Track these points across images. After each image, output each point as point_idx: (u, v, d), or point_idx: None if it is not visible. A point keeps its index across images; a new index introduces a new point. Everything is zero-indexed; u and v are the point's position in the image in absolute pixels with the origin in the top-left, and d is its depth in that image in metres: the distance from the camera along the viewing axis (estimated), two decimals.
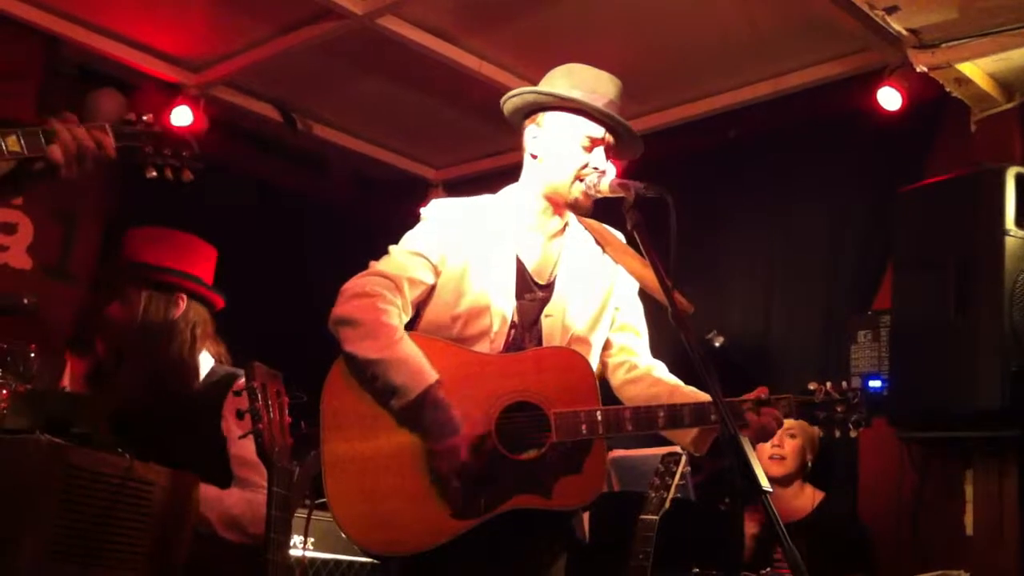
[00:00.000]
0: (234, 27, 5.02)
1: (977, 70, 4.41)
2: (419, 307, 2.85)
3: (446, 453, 2.61)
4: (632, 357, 2.99)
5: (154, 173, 2.41)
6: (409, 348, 2.68)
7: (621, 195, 2.73)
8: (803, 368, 4.83)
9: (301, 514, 3.42)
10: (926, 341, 4.09)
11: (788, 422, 4.15)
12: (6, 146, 2.19)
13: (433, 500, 2.63)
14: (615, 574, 3.59)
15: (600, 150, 2.87)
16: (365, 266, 2.85)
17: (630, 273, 2.98)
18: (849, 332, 4.67)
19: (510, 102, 2.96)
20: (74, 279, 5.32)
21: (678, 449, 3.73)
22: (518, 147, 3.01)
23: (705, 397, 2.76)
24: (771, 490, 2.28)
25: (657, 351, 3.05)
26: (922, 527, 4.38)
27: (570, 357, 2.79)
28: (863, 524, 4.31)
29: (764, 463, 4.18)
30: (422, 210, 3.00)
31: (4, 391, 2.68)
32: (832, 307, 4.84)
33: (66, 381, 3.50)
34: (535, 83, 3.00)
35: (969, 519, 4.30)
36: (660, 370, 2.98)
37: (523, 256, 2.88)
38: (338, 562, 3.97)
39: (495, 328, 2.78)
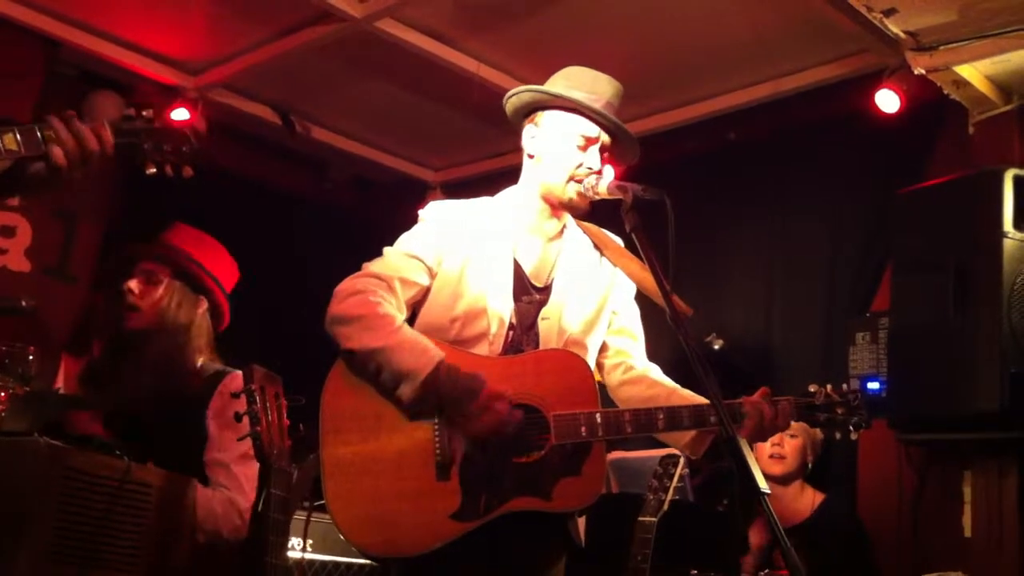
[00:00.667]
0: (233, 30, 5.02)
1: (975, 72, 4.42)
2: (415, 309, 2.85)
3: (487, 404, 2.58)
4: (628, 359, 2.99)
5: (153, 170, 2.37)
6: (410, 332, 2.68)
7: (619, 197, 2.73)
8: (802, 370, 4.83)
9: (300, 516, 3.43)
10: (925, 343, 4.09)
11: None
12: (3, 144, 2.15)
13: (433, 502, 2.62)
14: None
15: (595, 150, 2.87)
16: (359, 268, 2.85)
17: (628, 276, 2.98)
18: (848, 334, 4.67)
19: (510, 103, 2.98)
20: (74, 280, 5.32)
21: (676, 451, 3.74)
22: (518, 148, 3.02)
23: (703, 400, 2.76)
24: (769, 492, 2.29)
25: (656, 353, 3.06)
26: (921, 529, 4.38)
27: (569, 359, 2.79)
28: (862, 526, 4.30)
29: (764, 462, 4.18)
30: (419, 212, 3.00)
31: (3, 393, 2.68)
32: (831, 309, 4.84)
33: (60, 382, 3.50)
34: (536, 82, 3.01)
35: (968, 521, 4.30)
36: (656, 373, 2.99)
37: (521, 258, 2.88)
38: (336, 564, 3.97)
39: (493, 330, 2.78)
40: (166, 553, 2.67)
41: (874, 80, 4.57)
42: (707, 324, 4.99)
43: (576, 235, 2.99)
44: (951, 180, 4.26)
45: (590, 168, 2.85)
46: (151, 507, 2.63)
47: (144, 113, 2.36)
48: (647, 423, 2.72)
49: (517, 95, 2.95)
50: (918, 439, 4.37)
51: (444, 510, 2.62)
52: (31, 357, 2.75)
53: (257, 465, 3.01)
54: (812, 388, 2.88)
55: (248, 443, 2.97)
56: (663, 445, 3.12)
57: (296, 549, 3.69)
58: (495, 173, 5.75)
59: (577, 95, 2.87)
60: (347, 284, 2.76)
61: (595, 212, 2.96)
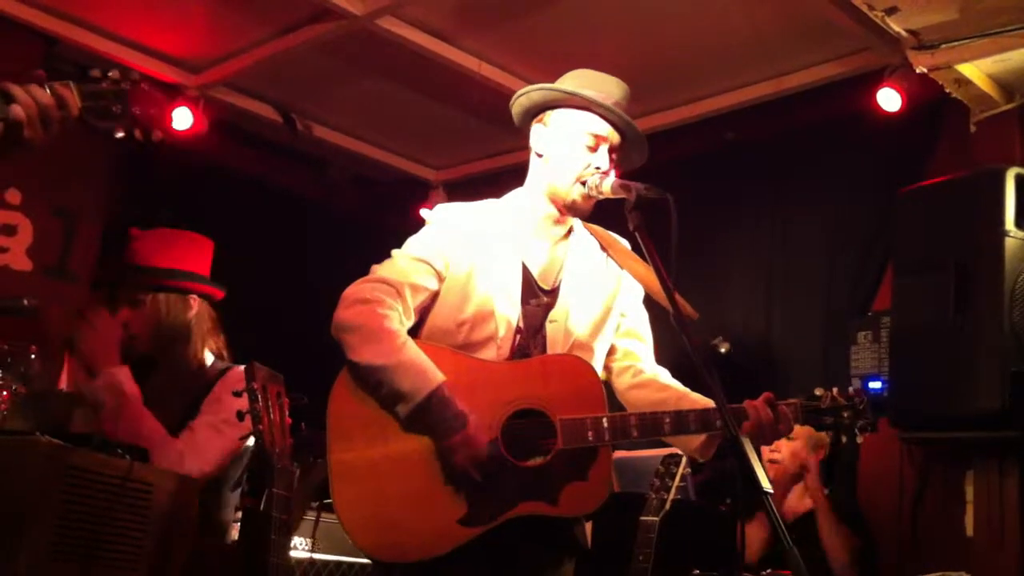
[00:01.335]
0: (234, 28, 5.02)
1: (977, 71, 4.41)
2: (423, 312, 2.82)
3: (461, 445, 2.59)
4: (636, 363, 2.98)
5: (122, 134, 2.25)
6: (413, 352, 2.66)
7: (623, 196, 2.72)
8: (804, 370, 4.83)
9: (308, 517, 3.44)
10: (926, 342, 4.09)
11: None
12: None
13: (440, 507, 2.61)
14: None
15: (604, 150, 2.87)
16: (365, 267, 2.82)
17: (636, 279, 2.98)
18: (849, 333, 4.67)
19: (519, 102, 2.96)
20: (75, 279, 5.31)
21: (679, 451, 3.74)
22: (519, 147, 3.01)
23: (710, 404, 2.75)
24: (772, 491, 2.28)
25: (661, 354, 3.05)
26: (922, 528, 4.38)
27: (576, 364, 2.78)
28: (863, 519, 4.29)
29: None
30: (426, 213, 2.99)
31: (5, 392, 2.68)
32: (832, 308, 4.84)
33: (63, 382, 3.50)
34: (534, 83, 3.01)
35: (969, 520, 4.29)
36: (666, 376, 2.98)
37: (528, 261, 2.87)
38: (339, 563, 3.98)
39: (501, 333, 2.76)
40: (167, 551, 2.67)
41: (875, 79, 4.57)
42: (708, 322, 4.98)
43: (583, 237, 2.99)
44: (952, 179, 4.26)
45: (597, 168, 2.85)
46: (152, 505, 2.63)
47: (110, 74, 2.26)
48: (653, 427, 2.71)
49: (527, 94, 2.94)
50: (919, 438, 4.37)
51: (452, 515, 2.61)
52: (33, 356, 2.75)
53: (228, 437, 3.05)
54: (818, 392, 2.87)
55: (222, 416, 3.01)
56: (667, 444, 3.11)
57: (298, 548, 3.70)
58: (496, 172, 5.76)
59: (588, 93, 2.87)
60: (355, 289, 2.73)
61: (599, 211, 2.96)
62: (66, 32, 5.02)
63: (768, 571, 3.68)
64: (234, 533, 3.32)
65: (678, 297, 2.51)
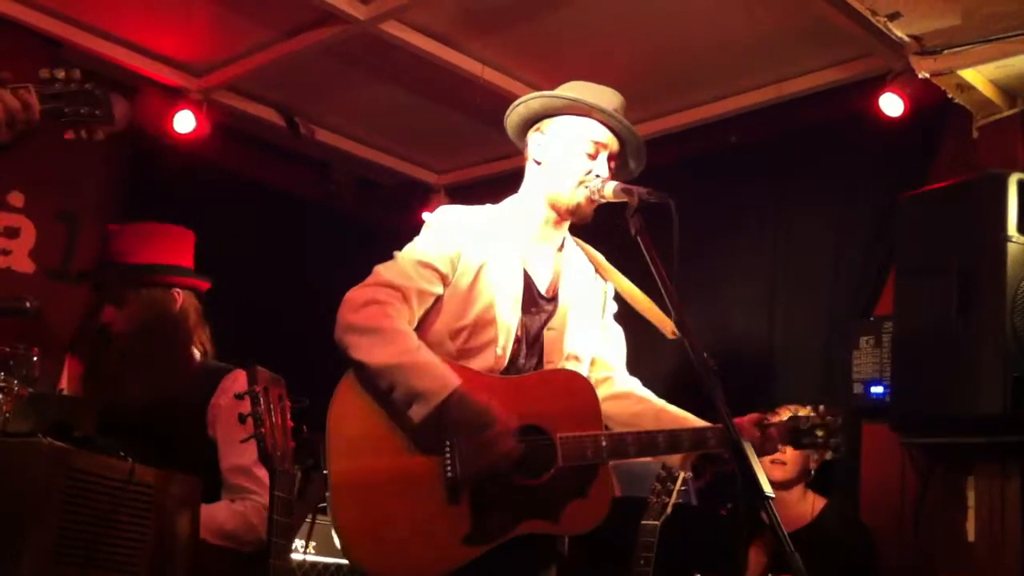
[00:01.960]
0: (237, 32, 5.03)
1: (979, 76, 4.41)
2: (425, 317, 2.79)
3: (496, 438, 2.54)
4: (612, 374, 3.00)
5: (71, 135, 2.31)
6: (429, 353, 2.62)
7: (624, 200, 2.73)
8: (806, 374, 4.83)
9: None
10: (928, 347, 4.08)
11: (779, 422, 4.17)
12: None
13: (443, 527, 2.58)
14: None
15: (603, 157, 2.87)
16: (366, 270, 2.80)
17: (622, 293, 2.98)
18: (851, 338, 4.67)
19: (516, 112, 2.95)
20: (77, 282, 5.31)
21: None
22: (521, 153, 3.01)
23: (689, 419, 2.82)
24: (773, 495, 2.29)
25: (653, 366, 3.08)
26: (924, 533, 4.37)
27: (575, 380, 2.79)
28: (866, 530, 4.29)
29: (765, 467, 4.16)
30: (427, 216, 2.98)
31: (7, 394, 2.68)
32: (834, 313, 4.83)
33: (64, 383, 3.50)
34: (537, 88, 3.02)
35: (971, 525, 4.29)
36: (641, 389, 3.01)
37: (530, 268, 2.87)
38: (339, 566, 3.97)
39: (501, 341, 2.75)
40: (169, 554, 2.67)
41: (878, 84, 4.58)
42: (710, 327, 4.99)
43: (574, 249, 3.00)
44: (955, 184, 4.26)
45: (599, 175, 2.84)
46: (154, 508, 2.63)
47: (59, 75, 2.30)
48: (649, 446, 2.74)
49: (525, 103, 2.93)
50: (921, 442, 4.37)
51: (455, 534, 2.58)
52: (35, 358, 2.75)
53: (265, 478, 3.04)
54: (802, 412, 2.97)
55: (254, 455, 2.98)
56: None
57: (298, 551, 3.70)
58: (499, 176, 5.76)
59: (589, 99, 2.87)
60: (362, 292, 2.69)
61: (597, 216, 2.96)
62: (71, 36, 5.02)
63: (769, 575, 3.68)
64: None
65: (670, 302, 2.51)
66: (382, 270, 2.75)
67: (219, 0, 4.80)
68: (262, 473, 3.02)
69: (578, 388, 2.77)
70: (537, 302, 2.85)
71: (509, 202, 2.97)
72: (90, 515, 2.47)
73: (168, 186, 5.47)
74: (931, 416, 4.11)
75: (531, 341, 2.82)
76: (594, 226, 2.94)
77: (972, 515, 4.30)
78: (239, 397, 2.59)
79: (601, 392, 2.93)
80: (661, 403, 2.94)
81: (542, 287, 2.87)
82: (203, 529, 2.89)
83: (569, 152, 2.87)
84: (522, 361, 2.81)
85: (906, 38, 4.31)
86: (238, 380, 3.21)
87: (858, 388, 4.60)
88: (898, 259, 4.41)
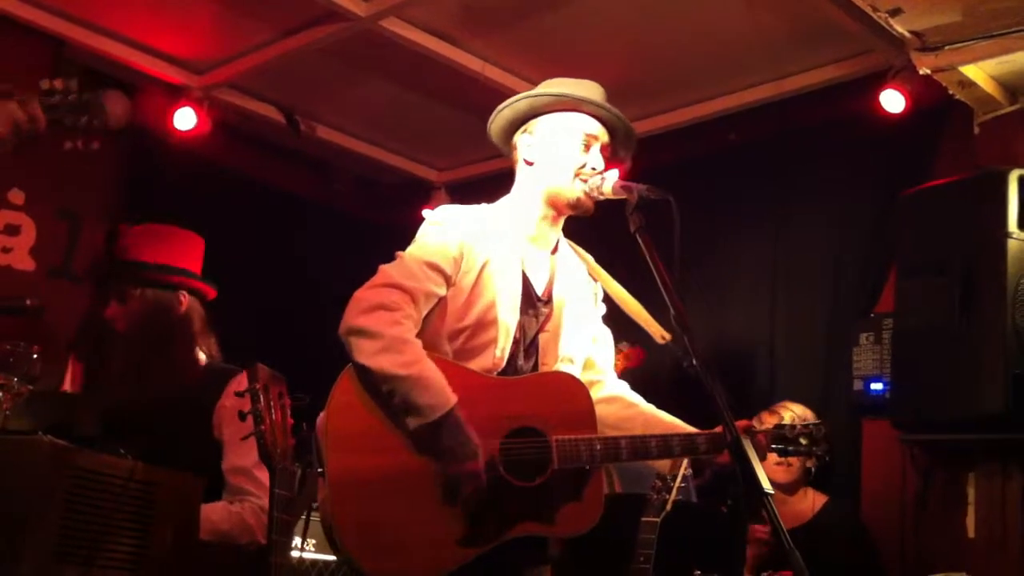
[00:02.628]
0: (238, 30, 5.03)
1: (981, 73, 4.41)
2: (426, 317, 2.76)
3: (467, 476, 2.55)
4: (603, 376, 3.01)
5: (69, 145, 2.37)
6: (432, 368, 2.61)
7: (624, 197, 2.72)
8: (806, 371, 4.83)
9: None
10: (929, 344, 4.08)
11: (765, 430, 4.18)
12: None
13: (440, 527, 2.58)
14: None
15: (596, 148, 2.87)
16: (367, 268, 2.78)
17: (612, 295, 2.99)
18: (851, 335, 4.66)
19: (501, 116, 2.95)
20: (78, 279, 5.33)
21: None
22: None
23: (677, 423, 2.85)
24: (772, 492, 2.29)
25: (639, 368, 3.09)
26: (924, 530, 4.38)
27: (571, 383, 2.80)
28: (865, 528, 4.30)
29: (770, 469, 4.16)
30: (428, 214, 2.96)
31: (8, 393, 2.69)
32: (835, 310, 4.83)
33: (67, 383, 3.51)
34: (538, 85, 3.01)
35: (971, 522, 4.29)
36: (629, 394, 3.02)
37: (529, 270, 2.86)
38: (339, 564, 3.97)
39: (500, 342, 2.75)
40: (170, 552, 2.67)
41: (879, 80, 4.57)
42: (710, 324, 4.99)
43: (567, 250, 3.00)
44: (955, 181, 4.26)
45: (594, 168, 2.84)
46: (155, 506, 2.63)
47: (58, 85, 2.36)
48: (642, 450, 2.75)
49: (510, 105, 2.92)
50: (922, 440, 4.37)
51: (451, 536, 2.57)
52: (36, 356, 2.75)
53: (266, 478, 3.04)
54: (787, 420, 3.07)
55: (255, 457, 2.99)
56: None
57: (296, 548, 3.70)
58: (499, 173, 5.67)
59: (575, 92, 2.88)
60: (371, 294, 2.66)
61: (597, 211, 2.96)
62: (73, 34, 5.02)
63: (768, 572, 3.68)
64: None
65: (670, 301, 2.51)
66: (391, 271, 2.72)
67: None
68: (263, 475, 3.02)
69: (574, 391, 2.78)
70: (534, 304, 2.85)
71: (504, 201, 2.96)
72: (91, 513, 2.48)
73: (169, 183, 5.47)
74: (931, 413, 4.11)
75: (528, 343, 2.83)
76: (592, 224, 2.95)
77: (972, 512, 4.30)
78: (239, 395, 2.59)
79: (591, 395, 2.93)
80: (650, 408, 2.96)
81: (539, 288, 2.87)
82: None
83: (562, 147, 2.86)
84: (520, 363, 2.81)
85: (907, 34, 4.30)
86: (241, 382, 3.21)
87: (858, 385, 4.60)
88: (898, 256, 4.41)
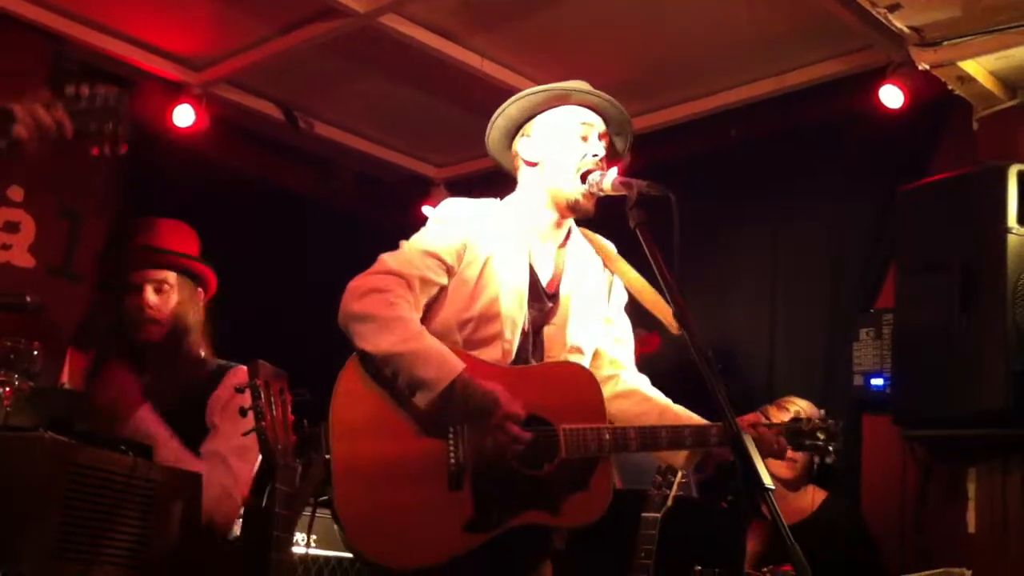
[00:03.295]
0: (237, 26, 5.02)
1: (980, 68, 4.41)
2: (430, 308, 2.79)
3: (500, 423, 2.55)
4: (620, 371, 3.00)
5: (96, 152, 2.39)
6: (431, 341, 2.63)
7: (623, 193, 2.73)
8: (807, 367, 4.83)
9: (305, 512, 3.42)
10: (929, 340, 4.09)
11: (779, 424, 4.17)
12: None
13: (446, 513, 2.58)
14: (617, 572, 3.59)
15: (594, 135, 2.89)
16: (366, 264, 2.80)
17: (627, 286, 2.98)
18: (852, 330, 4.67)
19: (496, 126, 2.98)
20: (78, 278, 5.32)
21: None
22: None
23: (693, 419, 2.82)
24: (773, 488, 2.29)
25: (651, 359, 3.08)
26: (925, 525, 4.38)
27: (580, 373, 2.80)
28: (865, 524, 4.29)
29: (774, 466, 4.16)
30: (432, 209, 2.97)
31: (8, 389, 2.69)
32: (835, 306, 4.84)
33: (65, 378, 3.51)
34: (537, 81, 3.02)
35: (972, 517, 4.30)
36: (647, 387, 3.00)
37: (536, 263, 2.87)
38: (340, 560, 3.97)
39: (506, 335, 2.75)
40: (171, 548, 2.67)
41: (878, 76, 4.57)
42: (710, 320, 4.99)
43: (579, 242, 2.99)
44: (955, 176, 4.26)
45: (595, 155, 2.85)
46: (156, 503, 2.63)
47: (83, 91, 2.39)
48: (652, 441, 2.74)
49: (503, 114, 2.96)
50: (922, 436, 4.37)
51: (457, 521, 2.58)
52: (36, 353, 2.76)
53: (254, 460, 3.04)
54: (802, 415, 3.02)
55: (248, 438, 3.00)
56: None
57: (299, 544, 3.70)
58: (498, 170, 5.74)
59: (565, 85, 2.90)
60: (365, 280, 2.70)
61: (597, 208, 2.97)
62: (72, 31, 5.01)
63: (769, 568, 3.68)
64: (237, 529, 3.32)
65: (670, 296, 2.52)
66: (387, 258, 2.76)
67: None
68: (236, 464, 3.05)
69: (582, 381, 2.78)
70: (541, 298, 2.85)
71: (512, 198, 2.98)
72: (92, 510, 2.48)
73: (168, 180, 5.46)
74: (931, 410, 4.11)
75: (535, 336, 2.83)
76: (597, 223, 2.95)
77: (973, 507, 4.30)
78: (239, 391, 2.59)
79: (606, 390, 2.92)
80: (666, 402, 2.94)
81: (546, 282, 2.88)
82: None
83: (562, 142, 2.89)
84: (528, 356, 2.81)
85: (906, 30, 4.30)
86: (238, 374, 3.24)
87: (858, 380, 4.60)
88: (898, 251, 4.41)
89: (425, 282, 2.74)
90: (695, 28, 4.70)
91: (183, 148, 5.42)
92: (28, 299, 3.03)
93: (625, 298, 3.03)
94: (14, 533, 2.37)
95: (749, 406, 3.04)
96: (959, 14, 4.12)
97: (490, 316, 2.76)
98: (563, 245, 2.95)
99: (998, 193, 4.01)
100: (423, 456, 2.61)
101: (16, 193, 5.17)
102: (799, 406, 4.04)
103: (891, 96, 4.52)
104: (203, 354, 3.38)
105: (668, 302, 2.55)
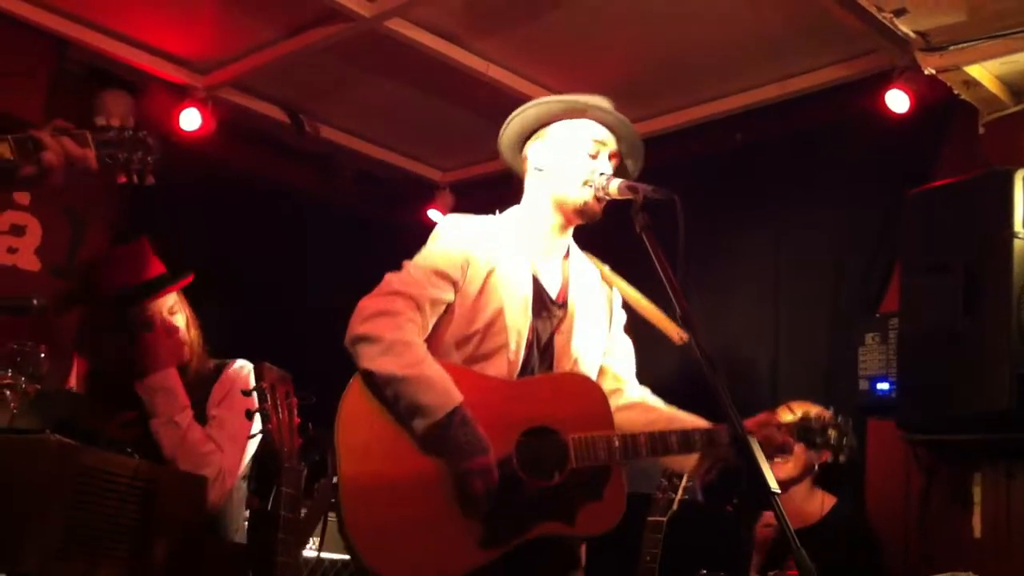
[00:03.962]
0: (242, 29, 5.03)
1: (985, 73, 4.41)
2: (435, 323, 2.79)
3: (478, 471, 2.55)
4: (622, 385, 3.01)
5: (124, 179, 2.42)
6: (435, 368, 2.63)
7: (629, 197, 2.74)
8: (811, 371, 4.82)
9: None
10: (934, 344, 4.08)
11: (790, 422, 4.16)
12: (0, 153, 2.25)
13: (458, 530, 2.57)
14: None
15: (604, 155, 2.89)
16: (371, 268, 2.81)
17: (627, 299, 2.99)
18: (857, 335, 4.66)
19: (512, 125, 2.99)
20: (71, 294, 5.32)
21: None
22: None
23: (701, 423, 2.81)
24: (779, 491, 2.29)
25: (654, 369, 3.09)
26: (930, 529, 4.37)
27: (586, 383, 2.80)
28: (872, 530, 4.28)
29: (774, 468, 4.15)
30: (439, 214, 3.00)
31: (14, 391, 2.69)
32: (840, 310, 4.83)
33: (72, 381, 3.52)
34: (542, 85, 3.02)
35: (977, 521, 4.29)
36: (651, 397, 3.01)
37: (540, 274, 2.88)
38: (347, 563, 3.97)
39: (512, 346, 2.76)
40: (175, 550, 2.68)
41: (883, 80, 4.56)
42: (714, 324, 4.99)
43: (580, 257, 3.01)
44: (960, 181, 4.25)
45: (602, 174, 2.86)
46: (160, 504, 2.64)
47: (114, 123, 2.42)
48: (662, 446, 2.74)
49: (521, 114, 2.96)
50: (927, 440, 4.36)
51: (470, 538, 2.57)
52: (42, 355, 2.76)
53: (243, 448, 3.11)
54: (812, 413, 3.02)
55: (238, 428, 3.02)
56: None
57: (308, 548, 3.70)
58: (504, 174, 5.70)
59: (584, 99, 2.91)
60: (374, 302, 2.70)
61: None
62: (77, 34, 5.02)
63: (775, 572, 3.68)
64: (243, 531, 3.33)
65: (675, 300, 2.52)
66: (394, 279, 2.75)
67: None
68: (230, 450, 3.10)
69: (588, 391, 2.79)
70: (548, 307, 2.86)
71: (514, 211, 2.99)
72: (97, 511, 2.49)
73: (173, 184, 5.45)
74: (936, 413, 4.10)
75: (543, 347, 2.83)
76: (598, 230, 2.96)
77: (978, 511, 4.30)
78: (246, 394, 2.60)
79: (611, 403, 2.91)
80: (671, 409, 2.94)
81: (552, 292, 2.89)
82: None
83: (571, 153, 2.89)
84: (535, 366, 2.81)
85: (912, 34, 4.30)
86: (235, 369, 3.29)
87: (864, 385, 4.59)
88: (904, 256, 4.41)
89: (435, 302, 2.75)
90: (699, 33, 4.70)
91: (189, 151, 5.43)
92: (35, 302, 3.04)
93: (624, 314, 3.05)
94: (19, 534, 2.38)
95: (753, 411, 3.03)
96: (965, 19, 4.12)
97: (496, 328, 2.76)
98: (566, 257, 2.96)
99: (1003, 197, 4.00)
100: (429, 475, 2.59)
101: (22, 196, 5.19)
102: (806, 409, 4.04)
103: (896, 101, 4.52)
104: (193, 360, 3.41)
105: (673, 305, 2.55)
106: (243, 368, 3.31)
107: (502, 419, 2.64)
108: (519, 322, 2.77)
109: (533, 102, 2.97)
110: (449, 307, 2.79)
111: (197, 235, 3.57)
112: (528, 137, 2.99)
